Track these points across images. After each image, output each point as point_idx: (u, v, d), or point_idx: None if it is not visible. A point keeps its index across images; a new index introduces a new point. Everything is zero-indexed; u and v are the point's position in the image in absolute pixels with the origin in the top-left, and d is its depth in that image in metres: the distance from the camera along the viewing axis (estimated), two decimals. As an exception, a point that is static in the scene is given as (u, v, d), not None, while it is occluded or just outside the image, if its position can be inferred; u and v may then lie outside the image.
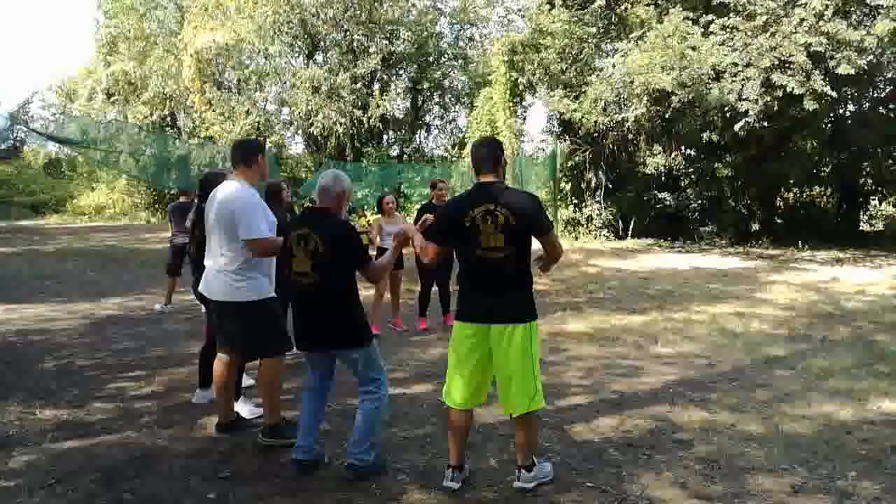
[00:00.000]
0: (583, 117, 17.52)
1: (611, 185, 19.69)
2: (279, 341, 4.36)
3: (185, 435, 4.58)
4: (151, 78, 25.51)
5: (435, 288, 7.95)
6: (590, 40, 18.68)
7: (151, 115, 26.11)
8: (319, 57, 26.78)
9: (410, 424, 4.75)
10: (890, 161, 18.46)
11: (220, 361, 4.47)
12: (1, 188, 29.79)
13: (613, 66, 16.41)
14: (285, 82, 25.99)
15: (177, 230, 8.99)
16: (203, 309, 5.50)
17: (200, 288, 4.43)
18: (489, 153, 3.67)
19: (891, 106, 18.13)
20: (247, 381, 5.30)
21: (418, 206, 8.81)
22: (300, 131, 26.89)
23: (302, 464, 3.91)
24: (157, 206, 26.60)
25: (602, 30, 18.86)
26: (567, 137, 20.24)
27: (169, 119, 27.32)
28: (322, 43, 26.36)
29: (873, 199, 20.65)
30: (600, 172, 19.46)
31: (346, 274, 3.81)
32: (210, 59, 25.05)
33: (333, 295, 3.77)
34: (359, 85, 25.04)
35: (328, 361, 4.00)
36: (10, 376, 5.91)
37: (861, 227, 20.19)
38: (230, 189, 4.20)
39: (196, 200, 5.73)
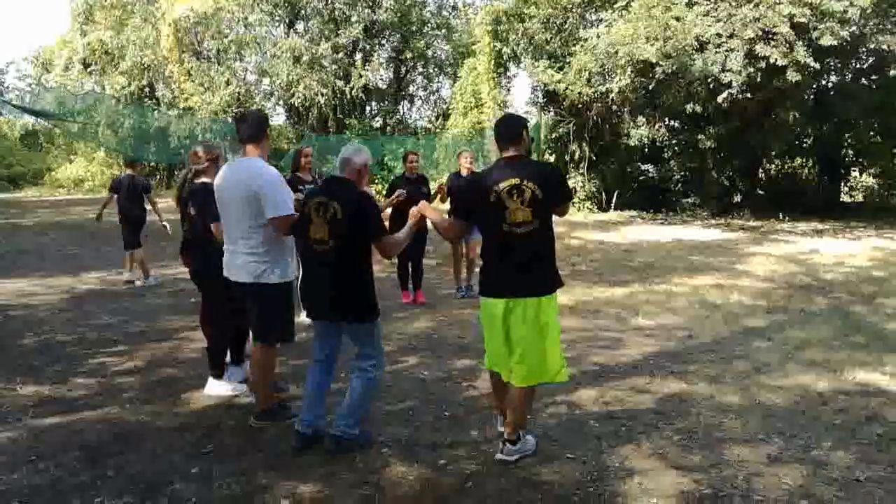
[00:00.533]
0: (567, 88, 17.45)
1: (595, 157, 19.69)
2: (287, 329, 4.29)
3: (168, 410, 4.57)
4: (129, 48, 25.01)
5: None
6: (574, 10, 18.55)
7: (129, 85, 25.65)
8: (300, 26, 26.42)
9: (394, 398, 4.77)
10: (871, 133, 18.62)
11: (253, 346, 4.40)
12: (-25, 161, 29.30)
13: (598, 36, 16.31)
14: (265, 52, 25.64)
15: (130, 204, 8.99)
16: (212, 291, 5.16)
17: (224, 270, 4.26)
18: (510, 129, 3.70)
19: (873, 77, 18.20)
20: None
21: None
22: (281, 102, 26.62)
23: (303, 437, 3.92)
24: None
25: (586, -1, 18.72)
26: (551, 109, 20.18)
27: (147, 90, 26.87)
28: (303, 12, 25.98)
29: (854, 171, 20.83)
30: (584, 144, 19.45)
31: (362, 245, 3.80)
32: (188, 29, 24.61)
33: (347, 264, 3.78)
34: (340, 55, 24.76)
35: (335, 333, 3.98)
36: (-11, 352, 5.86)
37: (842, 199, 20.38)
38: (250, 166, 4.05)
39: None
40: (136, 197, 9.08)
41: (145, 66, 25.43)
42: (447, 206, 7.01)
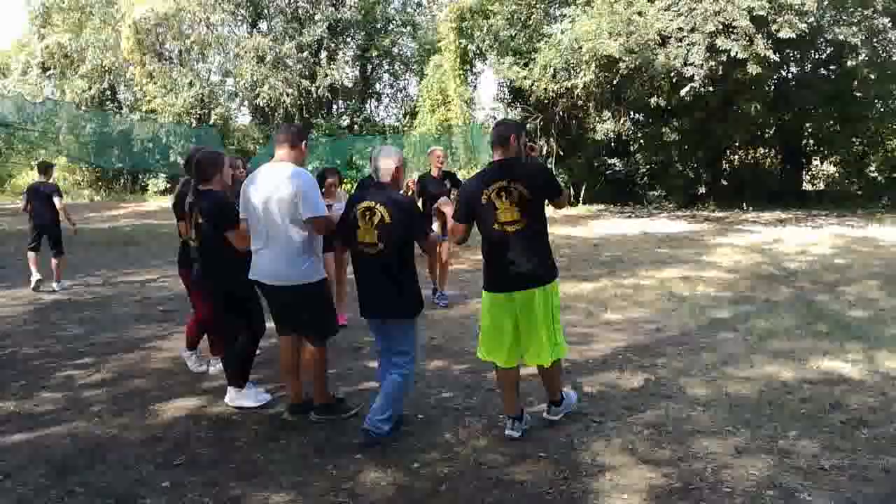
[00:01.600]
0: (533, 84, 17.54)
1: (562, 152, 19.83)
2: (333, 324, 4.41)
3: (137, 422, 4.51)
4: (88, 50, 24.55)
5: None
6: (538, 6, 18.65)
7: (90, 88, 25.18)
8: (263, 25, 26.18)
9: (366, 402, 4.76)
10: (830, 122, 18.98)
11: (283, 345, 4.44)
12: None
13: (562, 32, 16.42)
14: (229, 52, 25.37)
15: (42, 211, 9.01)
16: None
17: (254, 275, 4.27)
18: (500, 133, 3.95)
19: (831, 67, 18.58)
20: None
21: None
22: (246, 103, 26.34)
23: (363, 432, 4.02)
24: (99, 183, 25.82)
25: (550, -5, 18.83)
26: (518, 105, 20.27)
27: (108, 93, 26.41)
28: (266, 11, 25.75)
29: (815, 159, 21.23)
30: (551, 139, 19.57)
31: (408, 243, 4.01)
32: (149, 30, 24.23)
33: (397, 263, 3.96)
34: (305, 54, 24.58)
35: (385, 329, 4.16)
36: (-49, 368, 5.73)
37: (803, 187, 20.76)
38: (287, 168, 4.13)
39: (184, 182, 5.38)
40: (47, 203, 9.03)
41: (106, 68, 25.01)
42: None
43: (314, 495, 3.49)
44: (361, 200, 4.00)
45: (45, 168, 9.60)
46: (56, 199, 9.08)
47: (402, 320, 4.04)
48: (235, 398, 4.68)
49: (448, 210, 4.23)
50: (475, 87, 23.29)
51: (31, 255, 9.24)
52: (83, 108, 24.48)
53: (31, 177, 27.54)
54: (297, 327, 4.33)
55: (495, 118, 21.87)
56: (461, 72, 20.81)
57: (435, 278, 8.10)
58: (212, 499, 3.47)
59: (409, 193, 7.33)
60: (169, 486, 3.61)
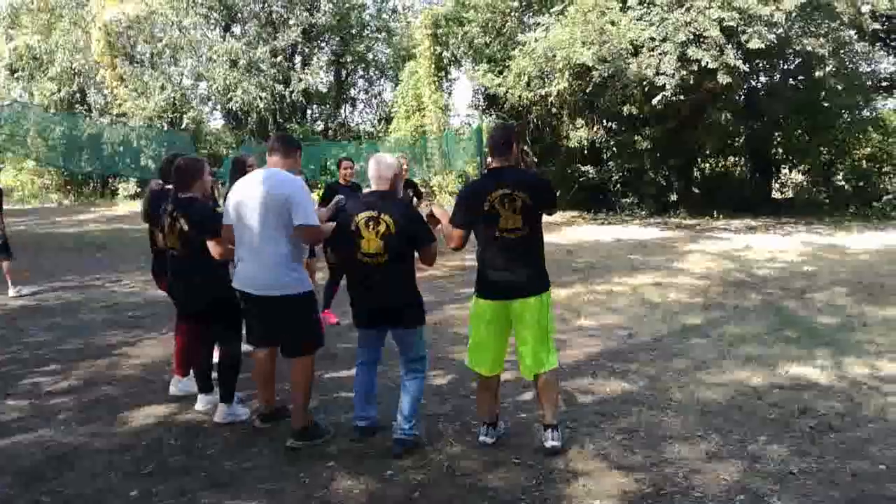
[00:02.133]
0: (507, 92, 17.62)
1: (536, 160, 19.93)
2: (320, 336, 4.26)
3: (106, 430, 4.44)
4: (58, 52, 24.18)
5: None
6: (512, 14, 18.76)
7: (59, 91, 24.79)
8: (237, 29, 26.00)
9: (339, 409, 4.74)
10: (799, 131, 19.32)
11: (261, 354, 4.31)
12: None
13: (536, 40, 16.51)
14: (201, 56, 25.13)
15: None
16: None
17: (238, 284, 4.13)
18: (501, 139, 3.94)
19: (800, 78, 18.89)
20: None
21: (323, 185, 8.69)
22: (219, 107, 26.13)
23: (364, 430, 4.15)
24: (68, 187, 25.42)
25: (524, 3, 18.93)
26: (493, 112, 20.35)
27: (78, 96, 26.02)
28: (239, 14, 25.57)
29: (784, 168, 21.57)
30: (525, 147, 19.65)
31: (411, 252, 3.97)
32: (120, 32, 23.94)
33: (402, 273, 3.95)
34: (279, 58, 24.47)
35: (383, 338, 4.17)
36: (-88, 376, 5.59)
37: (773, 195, 21.08)
38: (278, 174, 4.03)
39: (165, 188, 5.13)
40: None
41: (76, 71, 24.65)
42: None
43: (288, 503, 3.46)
44: (361, 210, 3.91)
45: None
46: None
47: (410, 329, 4.03)
48: (227, 414, 4.48)
49: (442, 216, 4.09)
50: (450, 93, 23.33)
51: (6, 264, 9.01)
52: (52, 110, 24.07)
53: (-2, 180, 27.13)
54: (284, 339, 4.16)
55: (470, 125, 21.94)
56: (436, 78, 20.85)
57: None
58: (182, 508, 3.43)
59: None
60: (138, 494, 3.57)
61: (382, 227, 3.82)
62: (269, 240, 3.96)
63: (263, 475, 3.76)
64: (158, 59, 25.17)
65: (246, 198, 4.01)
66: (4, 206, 9.03)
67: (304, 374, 4.12)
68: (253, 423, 4.41)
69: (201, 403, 4.70)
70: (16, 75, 26.27)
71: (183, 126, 23.69)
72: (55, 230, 16.71)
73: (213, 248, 4.26)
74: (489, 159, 4.02)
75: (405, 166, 7.88)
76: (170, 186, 4.86)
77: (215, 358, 4.75)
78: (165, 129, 23.48)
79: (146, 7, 22.70)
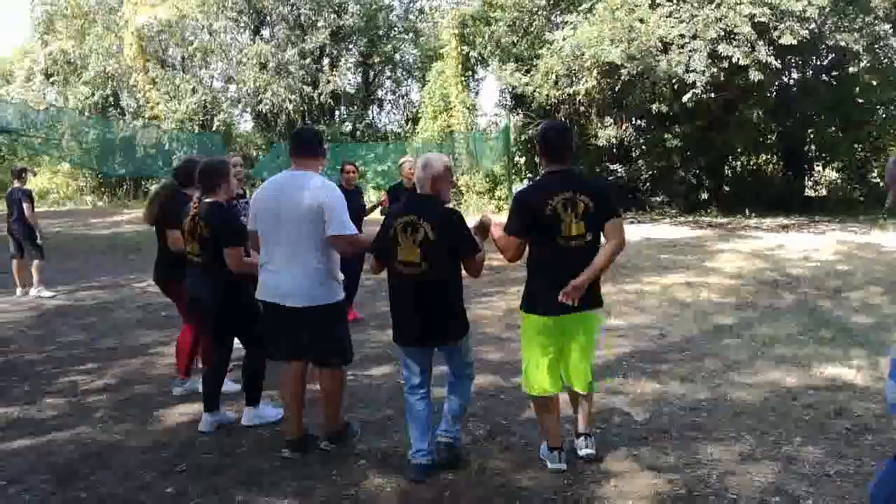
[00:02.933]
0: (535, 91, 17.57)
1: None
2: (350, 348, 4.04)
3: (140, 428, 4.51)
4: (91, 57, 24.66)
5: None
6: (540, 13, 18.69)
7: (93, 95, 25.29)
8: (266, 32, 26.25)
9: (368, 408, 4.76)
10: (832, 128, 18.98)
11: (288, 372, 4.01)
12: (-65, 174, 28.58)
13: (563, 38, 16.44)
14: (231, 59, 25.44)
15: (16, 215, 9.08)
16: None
17: (264, 295, 3.88)
18: (562, 140, 3.64)
19: (833, 73, 18.58)
20: (234, 386, 5.00)
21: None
22: (249, 109, 26.40)
23: (421, 468, 3.67)
24: (102, 189, 25.89)
25: (552, 2, 18.85)
26: (520, 111, 20.29)
27: (112, 99, 26.50)
28: (268, 18, 25.82)
29: (817, 165, 21.22)
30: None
31: (455, 262, 3.61)
32: (152, 37, 24.37)
33: (446, 283, 3.58)
34: (308, 60, 24.66)
35: (429, 354, 3.78)
36: (-46, 374, 5.74)
37: (806, 193, 20.75)
38: (312, 180, 3.76)
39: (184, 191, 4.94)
40: (19, 208, 9.09)
41: (109, 75, 25.11)
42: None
43: (318, 501, 3.48)
44: (402, 214, 3.61)
45: (19, 173, 9.53)
46: (25, 205, 9.03)
47: (456, 342, 3.71)
48: (253, 417, 4.43)
49: (495, 230, 3.68)
50: (477, 93, 23.39)
51: (14, 262, 9.30)
52: (86, 114, 24.54)
53: (35, 183, 27.68)
54: (314, 352, 3.92)
55: (497, 124, 21.89)
56: (463, 78, 20.87)
57: None
58: (215, 505, 3.47)
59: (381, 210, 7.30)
60: (173, 492, 3.61)
61: (421, 234, 3.49)
62: (300, 250, 3.72)
63: (294, 473, 3.78)
64: (189, 62, 25.54)
65: (274, 204, 3.78)
66: (41, 208, 9.25)
67: (334, 382, 3.94)
68: (281, 453, 4.02)
69: (206, 424, 4.41)
70: (51, 80, 26.86)
71: (214, 128, 24.00)
72: (89, 232, 17.02)
73: (230, 258, 4.06)
74: (541, 162, 3.68)
75: (412, 171, 7.85)
76: (186, 191, 4.83)
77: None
78: (197, 131, 23.80)
79: (177, 11, 23.04)
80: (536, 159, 19.93)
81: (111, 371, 5.75)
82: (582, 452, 3.78)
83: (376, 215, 7.38)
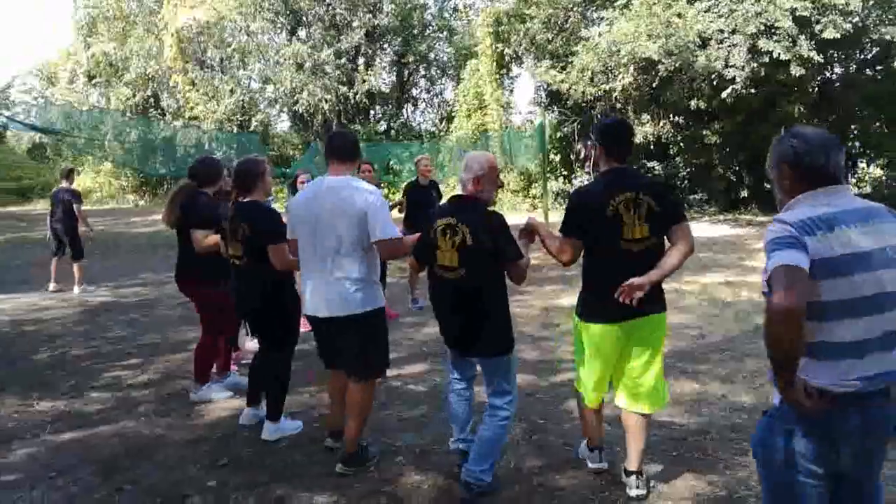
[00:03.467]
0: (570, 88, 17.44)
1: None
2: (386, 358, 3.88)
3: (183, 423, 4.61)
4: (132, 59, 25.20)
5: None
6: (575, 9, 18.55)
7: (134, 96, 25.84)
8: (302, 33, 26.51)
9: (405, 405, 4.79)
10: (877, 123, 18.51)
11: (340, 377, 3.93)
12: (-15, 174, 29.47)
13: (599, 35, 16.29)
14: (268, 59, 25.76)
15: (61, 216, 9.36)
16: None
17: (309, 310, 3.76)
18: (624, 135, 3.40)
19: (877, 68, 18.12)
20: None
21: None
22: (285, 109, 26.70)
23: (459, 451, 3.71)
24: (144, 189, 26.45)
25: (587, -2, 18.72)
26: (555, 108, 20.19)
27: (152, 100, 27.04)
28: (304, 18, 26.07)
29: (861, 162, 20.72)
30: (589, 143, 19.42)
31: (495, 269, 3.40)
32: (191, 38, 24.78)
33: (484, 290, 3.39)
34: (343, 60, 24.84)
35: (470, 364, 3.68)
36: (5, 368, 5.92)
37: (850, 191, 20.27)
38: (351, 183, 3.65)
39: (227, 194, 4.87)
40: (67, 208, 9.35)
41: (149, 76, 25.62)
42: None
43: (356, 496, 3.52)
44: (443, 216, 3.46)
45: (67, 173, 9.76)
46: (75, 206, 9.29)
47: (491, 357, 3.47)
48: (274, 430, 4.28)
49: (543, 232, 3.49)
50: (511, 91, 23.28)
51: (53, 260, 9.57)
52: (128, 115, 25.07)
53: (79, 182, 28.32)
54: (346, 362, 3.80)
55: (532, 122, 21.79)
56: (497, 76, 20.83)
57: (413, 289, 7.85)
58: (256, 499, 3.52)
59: (399, 209, 7.32)
60: (214, 485, 3.68)
61: (459, 238, 3.34)
62: (339, 258, 3.60)
63: (332, 468, 3.82)
64: (228, 63, 25.91)
65: (312, 211, 3.66)
66: (85, 208, 9.49)
67: (362, 398, 3.77)
68: (325, 442, 4.09)
69: (247, 417, 4.51)
70: (93, 81, 27.49)
71: (251, 128, 24.32)
72: (131, 230, 17.40)
73: (274, 255, 4.00)
74: (597, 160, 3.43)
75: (428, 168, 7.90)
76: (206, 190, 4.85)
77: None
78: (235, 131, 24.14)
79: (216, 13, 23.39)
80: (572, 157, 19.98)
81: (154, 366, 5.87)
82: (632, 493, 3.43)
83: (395, 214, 7.44)
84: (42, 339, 6.90)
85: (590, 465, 3.70)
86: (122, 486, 3.70)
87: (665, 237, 3.30)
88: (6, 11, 60.42)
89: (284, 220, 4.03)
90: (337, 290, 3.62)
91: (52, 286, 9.42)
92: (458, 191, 3.58)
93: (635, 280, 3.11)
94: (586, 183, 3.53)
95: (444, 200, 4.15)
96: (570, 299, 8.19)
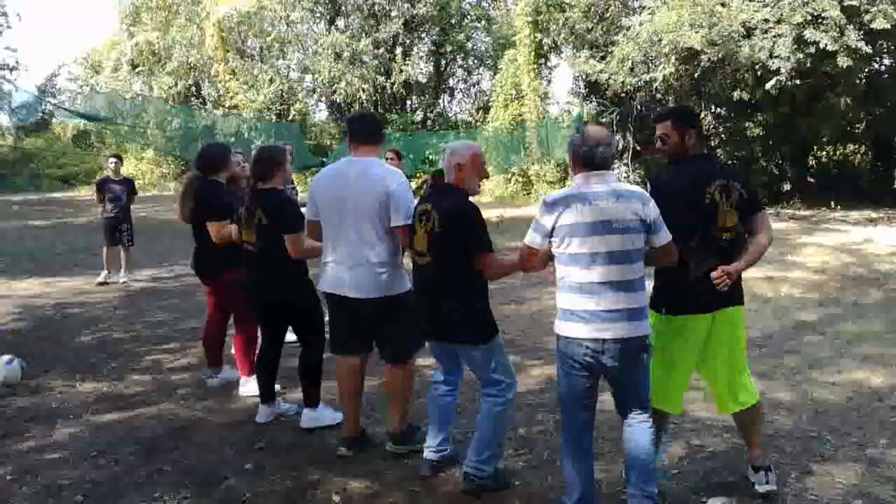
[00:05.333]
0: (609, 78, 17.22)
1: (638, 147, 19.43)
2: (417, 340, 3.83)
3: (221, 406, 4.69)
4: (175, 48, 25.54)
5: None
6: (616, -2, 18.29)
7: (176, 85, 26.21)
8: (341, 22, 26.63)
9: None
10: (927, 116, 17.98)
11: (347, 368, 3.89)
12: (32, 161, 30.17)
13: (640, 24, 16.05)
14: (307, 49, 25.93)
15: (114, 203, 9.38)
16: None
17: (328, 286, 3.75)
18: (694, 123, 3.37)
19: (929, 59, 17.59)
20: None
21: None
22: (323, 99, 26.88)
23: (433, 464, 3.64)
24: (184, 177, 26.89)
25: (628, -13, 18.46)
26: (593, 99, 19.97)
27: (193, 89, 27.43)
28: (343, 8, 26.18)
29: (908, 156, 20.15)
30: (627, 134, 19.20)
31: (463, 258, 3.32)
32: (232, 28, 25.03)
33: (449, 279, 3.35)
34: (381, 50, 24.89)
35: (450, 352, 3.59)
36: (50, 350, 6.09)
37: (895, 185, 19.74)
38: (377, 167, 3.67)
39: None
40: (118, 196, 9.46)
41: (191, 65, 25.95)
42: None
43: (390, 483, 3.55)
44: (423, 202, 3.47)
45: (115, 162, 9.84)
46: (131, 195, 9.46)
47: (469, 345, 3.40)
48: (311, 419, 4.26)
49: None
50: (549, 81, 23.07)
51: (105, 250, 9.47)
52: (170, 103, 25.47)
53: (122, 169, 28.92)
54: (382, 344, 3.82)
55: (570, 112, 21.60)
56: (535, 66, 20.64)
57: None
58: (292, 482, 3.58)
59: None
60: (251, 468, 3.75)
61: (431, 224, 3.33)
62: (365, 240, 3.60)
63: (367, 455, 3.86)
64: (267, 53, 26.13)
65: (337, 192, 3.65)
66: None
67: (402, 382, 3.79)
68: (337, 451, 3.93)
69: (263, 415, 4.40)
70: (136, 70, 27.92)
71: (290, 118, 24.53)
72: (173, 217, 17.64)
73: (290, 244, 3.97)
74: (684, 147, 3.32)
75: (393, 158, 7.41)
76: (216, 178, 4.80)
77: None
78: (274, 120, 24.39)
79: (256, 2, 23.58)
80: (657, 143, 19.72)
81: (193, 351, 5.98)
82: (760, 489, 3.31)
83: None
84: (85, 323, 7.08)
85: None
86: (162, 466, 3.79)
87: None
88: (52, 1, 61.78)
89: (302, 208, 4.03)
90: (363, 272, 3.62)
91: (103, 274, 9.34)
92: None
93: (728, 268, 3.12)
94: (666, 171, 3.37)
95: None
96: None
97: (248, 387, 4.81)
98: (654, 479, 3.09)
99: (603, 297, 2.85)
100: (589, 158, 2.97)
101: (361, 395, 4.02)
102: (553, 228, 2.92)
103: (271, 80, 24.66)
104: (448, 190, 3.43)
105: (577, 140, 3.02)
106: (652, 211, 2.92)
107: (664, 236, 2.97)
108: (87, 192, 27.00)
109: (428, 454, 3.66)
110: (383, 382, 3.93)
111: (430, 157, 21.89)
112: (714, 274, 3.10)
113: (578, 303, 2.89)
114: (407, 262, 3.70)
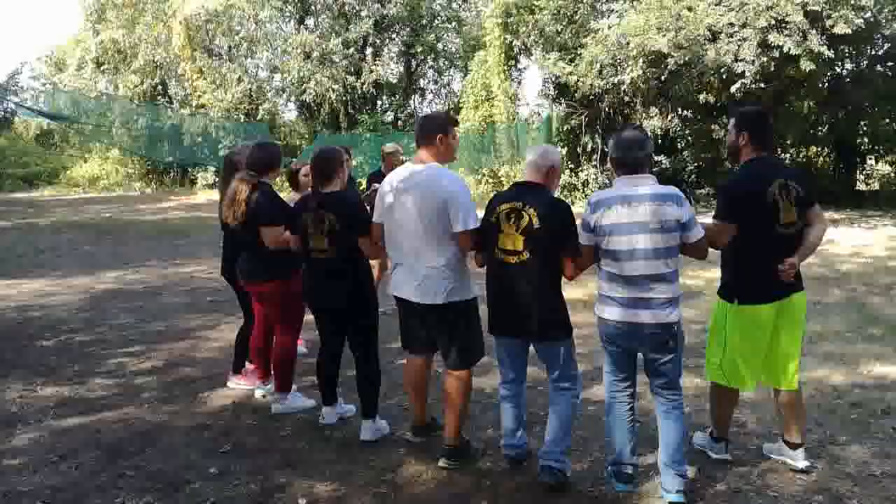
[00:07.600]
0: (578, 80, 17.36)
1: (607, 150, 19.57)
2: (481, 347, 3.85)
3: (186, 410, 4.63)
4: (141, 46, 25.15)
5: None
6: (585, 1, 18.44)
7: (142, 83, 25.79)
8: (311, 22, 26.46)
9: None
10: (887, 120, 18.39)
11: (412, 365, 3.98)
12: (-7, 161, 29.54)
13: (609, 27, 16.21)
14: (276, 48, 25.74)
15: None
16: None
17: (395, 290, 3.80)
18: (769, 125, 3.65)
19: (889, 64, 17.99)
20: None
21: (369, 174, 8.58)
22: (293, 98, 26.68)
23: (514, 460, 3.74)
24: (150, 176, 26.48)
25: (597, -10, 18.60)
26: (563, 101, 20.09)
27: (160, 88, 27.03)
28: (313, 7, 26.02)
29: (870, 159, 20.60)
30: (596, 136, 19.36)
31: (555, 256, 3.43)
32: (200, 26, 24.72)
33: (547, 276, 3.45)
34: (351, 50, 24.79)
35: (523, 351, 3.68)
36: (9, 354, 5.95)
37: (857, 187, 20.18)
38: (439, 171, 3.64)
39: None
40: None
41: (157, 64, 25.58)
42: None
43: (357, 486, 3.54)
44: (505, 200, 3.49)
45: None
46: None
47: (553, 342, 3.53)
48: (373, 430, 4.12)
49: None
50: (519, 82, 23.15)
51: None
52: (135, 102, 25.09)
53: (86, 169, 28.41)
54: (443, 349, 3.79)
55: (539, 114, 21.72)
56: (505, 67, 20.72)
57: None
58: (258, 486, 3.55)
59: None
60: (217, 472, 3.71)
61: (524, 221, 3.39)
62: (427, 245, 3.61)
63: (334, 457, 3.84)
64: (235, 51, 25.88)
65: (400, 197, 3.67)
66: (90, 194, 9.43)
67: (460, 389, 3.73)
68: (405, 436, 4.05)
69: (330, 417, 4.35)
70: (102, 68, 27.45)
71: (259, 118, 24.32)
72: (138, 217, 17.42)
73: (364, 245, 3.96)
74: (741, 149, 3.58)
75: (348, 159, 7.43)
76: (266, 180, 4.46)
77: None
78: (242, 120, 24.15)
79: (224, 1, 23.34)
80: (579, 149, 19.92)
81: (158, 353, 5.90)
82: (799, 465, 3.60)
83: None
84: (47, 325, 6.94)
85: (714, 455, 3.80)
86: (125, 471, 3.73)
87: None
88: (15, -3, 60.47)
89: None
90: (425, 278, 3.63)
91: None
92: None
93: (791, 260, 3.44)
94: (733, 173, 3.75)
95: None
96: (574, 292, 8.16)
97: (284, 403, 4.57)
98: (683, 459, 3.38)
99: (638, 288, 3.23)
100: (622, 161, 3.33)
101: (427, 388, 4.04)
102: (595, 227, 3.29)
103: (239, 80, 24.43)
104: (538, 189, 3.51)
105: (612, 144, 3.38)
106: (686, 211, 3.23)
107: (696, 233, 3.29)
108: (51, 193, 26.55)
109: (505, 450, 3.76)
110: (442, 389, 3.89)
111: (403, 158, 21.84)
112: (783, 266, 3.41)
113: (616, 291, 3.30)
114: (472, 266, 3.74)
